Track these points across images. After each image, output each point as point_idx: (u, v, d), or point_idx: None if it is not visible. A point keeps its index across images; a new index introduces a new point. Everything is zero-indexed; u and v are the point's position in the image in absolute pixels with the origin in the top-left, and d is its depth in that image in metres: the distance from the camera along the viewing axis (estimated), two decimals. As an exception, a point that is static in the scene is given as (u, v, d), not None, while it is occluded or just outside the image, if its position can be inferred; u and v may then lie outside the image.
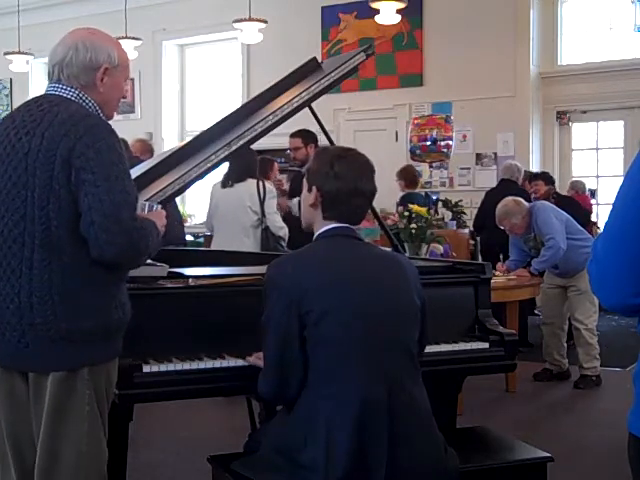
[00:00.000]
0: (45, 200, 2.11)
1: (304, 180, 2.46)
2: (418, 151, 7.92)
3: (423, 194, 7.81)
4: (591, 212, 8.91)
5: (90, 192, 2.09)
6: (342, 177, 2.35)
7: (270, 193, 5.43)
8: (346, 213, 2.39)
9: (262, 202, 5.35)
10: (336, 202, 2.36)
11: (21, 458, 2.24)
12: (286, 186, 6.48)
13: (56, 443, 2.16)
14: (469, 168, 9.73)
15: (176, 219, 6.30)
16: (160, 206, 2.45)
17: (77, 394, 2.16)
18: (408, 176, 7.62)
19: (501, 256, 6.15)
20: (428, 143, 7.82)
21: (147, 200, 2.53)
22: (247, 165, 5.33)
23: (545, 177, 7.80)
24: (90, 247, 2.12)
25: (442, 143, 7.81)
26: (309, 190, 2.41)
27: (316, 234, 2.42)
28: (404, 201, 6.82)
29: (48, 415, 2.15)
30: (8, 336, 2.16)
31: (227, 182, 5.42)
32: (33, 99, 2.30)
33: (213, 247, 5.49)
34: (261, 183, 5.41)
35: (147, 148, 7.17)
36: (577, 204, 7.66)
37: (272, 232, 5.37)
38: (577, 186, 8.91)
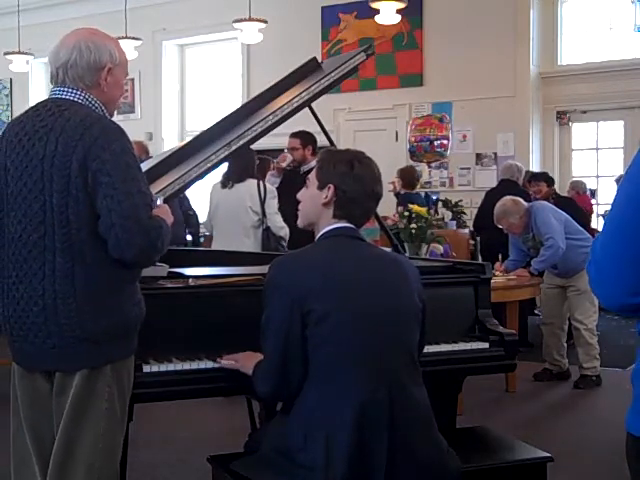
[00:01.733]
0: (64, 205, 2.15)
1: (312, 177, 2.45)
2: (415, 151, 7.96)
3: (423, 194, 7.83)
4: (592, 213, 8.89)
5: (108, 195, 2.13)
6: (361, 179, 2.38)
7: (271, 193, 5.42)
8: (357, 214, 2.41)
9: (263, 202, 5.35)
10: (351, 203, 2.38)
11: (44, 456, 2.26)
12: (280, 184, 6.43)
13: (73, 438, 2.19)
14: (469, 168, 9.73)
15: (178, 220, 6.31)
16: (162, 199, 2.47)
17: (97, 391, 2.20)
18: (407, 177, 7.65)
19: (500, 256, 6.15)
20: (423, 143, 7.85)
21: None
22: (246, 165, 5.33)
23: (547, 178, 7.79)
24: (110, 248, 2.16)
25: (436, 143, 7.84)
26: (321, 188, 2.40)
27: (320, 232, 2.42)
28: (403, 201, 6.83)
29: (69, 412, 2.19)
30: (32, 337, 2.20)
31: (227, 182, 5.41)
32: (41, 103, 2.32)
33: (214, 247, 5.48)
34: (261, 183, 5.41)
35: (143, 149, 7.24)
36: (576, 204, 7.65)
37: (273, 232, 5.37)
38: (578, 186, 8.89)
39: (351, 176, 2.37)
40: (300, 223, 2.53)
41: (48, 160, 2.16)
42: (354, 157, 2.42)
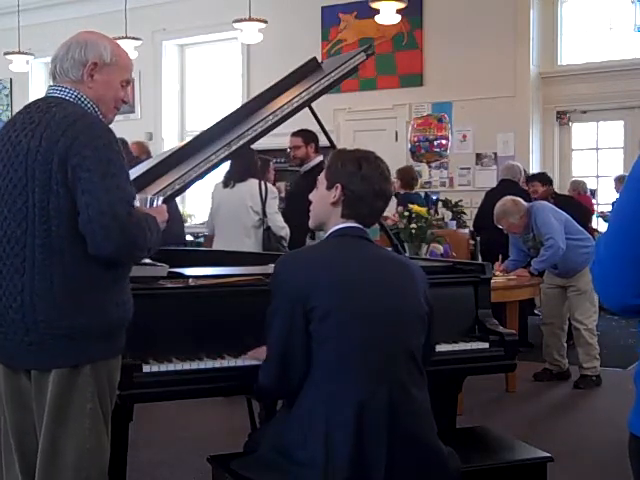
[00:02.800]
0: (45, 200, 2.14)
1: (321, 177, 2.47)
2: (416, 151, 7.98)
3: (422, 194, 7.84)
4: (593, 212, 8.87)
5: (87, 190, 2.11)
6: (369, 179, 2.38)
7: (272, 193, 5.44)
8: (365, 214, 2.42)
9: (264, 202, 5.36)
10: (359, 202, 2.39)
11: (26, 456, 2.25)
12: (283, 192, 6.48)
13: (57, 440, 2.17)
14: (469, 168, 9.73)
15: (177, 218, 6.31)
16: (161, 200, 2.46)
17: (78, 391, 2.18)
18: (405, 177, 7.67)
19: (500, 256, 6.15)
20: (422, 143, 7.87)
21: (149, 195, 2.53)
22: (248, 165, 5.34)
23: (542, 177, 7.81)
24: (88, 244, 2.14)
25: (435, 143, 7.85)
26: (329, 188, 2.42)
27: (329, 232, 2.44)
28: (403, 201, 6.84)
29: (49, 412, 2.17)
30: (11, 334, 2.19)
31: (229, 182, 5.42)
32: (34, 102, 2.33)
33: (215, 247, 5.48)
34: (263, 183, 5.42)
35: (144, 149, 7.24)
36: (576, 203, 7.66)
37: (274, 232, 5.37)
38: (578, 186, 8.87)
39: (359, 175, 2.38)
40: (311, 224, 2.54)
41: (32, 155, 2.16)
42: (362, 157, 2.43)
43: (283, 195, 6.23)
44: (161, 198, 2.46)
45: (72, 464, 2.17)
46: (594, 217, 9.12)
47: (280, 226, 5.38)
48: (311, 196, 2.51)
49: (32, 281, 2.15)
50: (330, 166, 2.45)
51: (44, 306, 2.15)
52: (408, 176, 7.71)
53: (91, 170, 2.12)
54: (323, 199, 2.44)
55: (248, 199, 5.36)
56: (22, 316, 2.16)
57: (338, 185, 2.39)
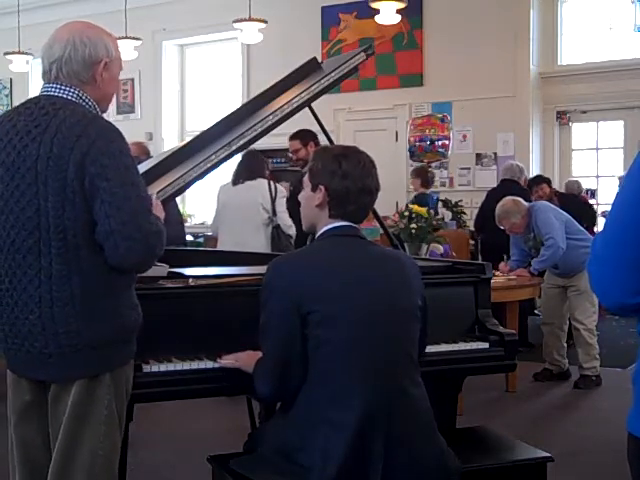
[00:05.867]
0: (60, 209, 2.07)
1: (305, 180, 2.45)
2: (416, 151, 7.97)
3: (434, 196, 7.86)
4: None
5: (107, 200, 2.06)
6: (350, 176, 2.35)
7: (281, 192, 5.57)
8: (353, 211, 2.39)
9: (273, 200, 5.47)
10: (344, 201, 2.36)
11: (30, 466, 2.23)
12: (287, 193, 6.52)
13: (73, 446, 2.15)
14: (469, 168, 9.73)
15: (177, 219, 6.31)
16: (155, 196, 2.44)
17: (98, 400, 2.16)
18: (424, 176, 7.71)
19: (505, 257, 6.16)
20: (424, 143, 7.87)
21: None
22: (257, 165, 5.53)
23: (544, 178, 7.88)
24: (108, 255, 2.09)
25: (438, 143, 7.85)
26: (313, 190, 2.39)
27: (319, 232, 2.41)
28: (417, 201, 6.86)
29: (68, 420, 2.14)
30: (27, 346, 2.13)
31: (238, 180, 5.52)
32: (32, 101, 2.23)
33: (222, 245, 5.55)
34: (272, 182, 5.51)
35: (144, 150, 7.24)
36: (581, 202, 7.70)
37: (282, 230, 5.47)
38: (573, 187, 8.83)
39: (339, 174, 2.34)
40: (304, 227, 2.53)
41: (43, 162, 2.08)
42: (341, 154, 2.39)
43: (287, 196, 6.26)
44: (154, 195, 2.45)
45: (85, 470, 2.16)
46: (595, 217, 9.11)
47: (288, 224, 5.52)
48: (299, 198, 2.49)
49: (50, 292, 2.09)
50: (311, 168, 2.42)
51: (64, 316, 2.09)
52: (426, 175, 7.74)
53: (110, 179, 2.06)
54: (309, 202, 2.42)
55: (259, 197, 5.48)
56: (41, 328, 2.10)
57: (321, 187, 2.36)
